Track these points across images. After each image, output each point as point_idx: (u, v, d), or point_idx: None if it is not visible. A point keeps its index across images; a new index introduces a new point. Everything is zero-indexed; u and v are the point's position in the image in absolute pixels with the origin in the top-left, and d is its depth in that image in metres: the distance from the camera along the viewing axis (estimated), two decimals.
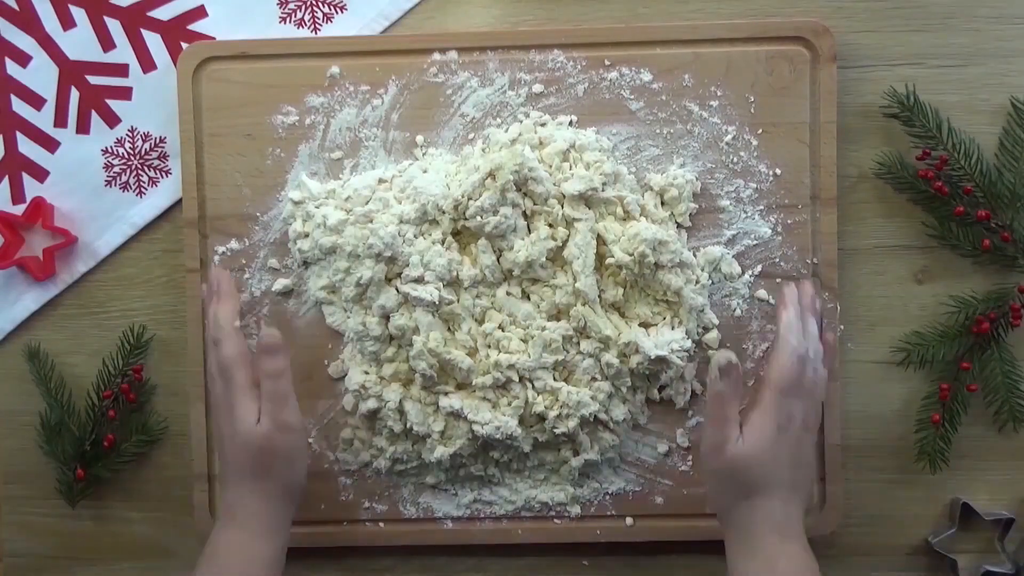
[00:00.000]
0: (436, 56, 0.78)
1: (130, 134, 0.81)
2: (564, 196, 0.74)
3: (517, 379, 0.74)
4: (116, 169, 0.81)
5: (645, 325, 0.76)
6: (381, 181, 0.77)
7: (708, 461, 0.68)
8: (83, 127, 0.81)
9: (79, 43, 0.81)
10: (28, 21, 0.81)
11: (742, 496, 0.67)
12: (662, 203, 0.76)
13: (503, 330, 0.75)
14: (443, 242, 0.75)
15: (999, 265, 0.78)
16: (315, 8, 0.80)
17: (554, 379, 0.75)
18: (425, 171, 0.76)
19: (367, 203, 0.76)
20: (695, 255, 0.76)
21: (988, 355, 0.78)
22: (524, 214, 0.75)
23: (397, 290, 0.75)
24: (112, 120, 0.81)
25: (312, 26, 0.80)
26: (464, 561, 0.81)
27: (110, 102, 0.81)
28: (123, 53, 0.81)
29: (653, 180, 0.76)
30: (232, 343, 0.71)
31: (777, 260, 0.77)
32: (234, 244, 0.79)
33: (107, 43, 0.81)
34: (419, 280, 0.73)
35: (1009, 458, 0.80)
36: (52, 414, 0.81)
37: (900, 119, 0.78)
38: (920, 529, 0.81)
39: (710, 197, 0.77)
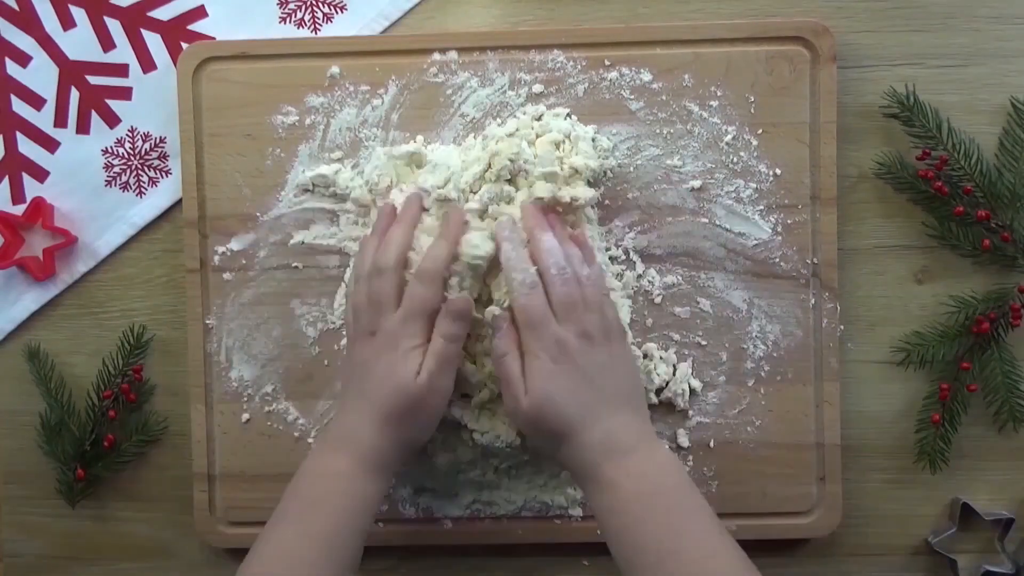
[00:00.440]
0: (436, 56, 0.78)
1: (130, 134, 0.81)
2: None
3: None
4: (116, 169, 0.81)
5: None
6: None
7: (516, 424, 0.68)
8: (83, 127, 0.81)
9: (79, 43, 0.81)
10: (28, 21, 0.81)
11: (559, 442, 0.65)
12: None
13: None
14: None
15: (999, 265, 0.78)
16: (315, 8, 0.80)
17: None
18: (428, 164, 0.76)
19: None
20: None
21: (988, 355, 0.78)
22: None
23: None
24: (112, 120, 0.81)
25: (312, 26, 0.80)
26: (464, 561, 0.81)
27: (110, 102, 0.81)
28: (123, 53, 0.81)
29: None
30: (435, 287, 0.67)
31: (777, 260, 0.77)
32: (234, 244, 0.79)
33: (107, 43, 0.81)
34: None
35: (1009, 458, 0.80)
36: (52, 414, 0.81)
37: (900, 119, 0.78)
38: (920, 529, 0.81)
39: (710, 197, 0.77)
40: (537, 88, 0.77)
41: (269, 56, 0.78)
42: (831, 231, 0.77)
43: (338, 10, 0.80)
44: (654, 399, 0.77)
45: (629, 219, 0.78)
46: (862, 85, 0.79)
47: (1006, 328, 0.78)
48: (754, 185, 0.77)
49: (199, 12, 0.81)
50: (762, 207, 0.77)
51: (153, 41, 0.81)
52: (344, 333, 0.78)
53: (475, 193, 0.73)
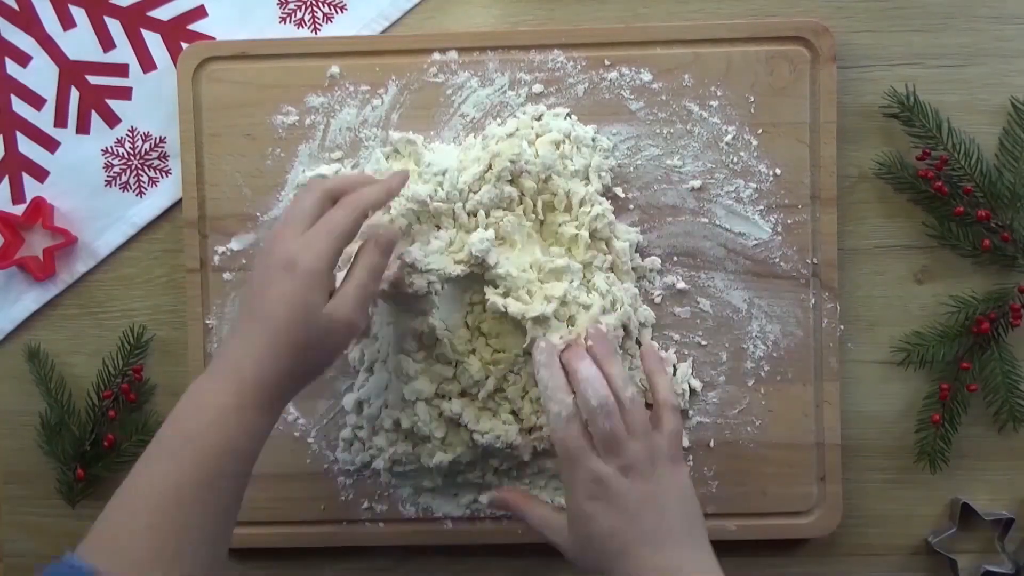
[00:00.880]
0: (436, 56, 0.78)
1: (130, 134, 0.81)
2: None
3: (517, 391, 0.74)
4: (116, 169, 0.81)
5: None
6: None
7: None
8: (83, 127, 0.81)
9: (79, 43, 0.81)
10: (28, 21, 0.81)
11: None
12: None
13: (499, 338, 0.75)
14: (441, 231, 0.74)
15: (999, 265, 0.78)
16: (315, 8, 0.80)
17: None
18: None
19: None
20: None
21: (988, 355, 0.78)
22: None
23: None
24: (112, 120, 0.81)
25: (312, 26, 0.80)
26: (464, 561, 0.81)
27: (110, 102, 0.81)
28: (123, 53, 0.81)
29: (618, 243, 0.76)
30: (355, 217, 0.62)
31: (777, 260, 0.77)
32: (234, 244, 0.79)
33: (107, 43, 0.81)
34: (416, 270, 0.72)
35: (1009, 458, 0.80)
36: (52, 414, 0.81)
37: (900, 119, 0.78)
38: (920, 529, 0.81)
39: (710, 197, 0.77)
40: (537, 88, 0.77)
41: (269, 56, 0.78)
42: (831, 231, 0.77)
43: (338, 10, 0.80)
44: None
45: (629, 219, 0.78)
46: (862, 85, 0.79)
47: (1006, 328, 0.77)
48: (754, 185, 0.77)
49: (199, 12, 0.81)
50: (762, 207, 0.77)
51: (153, 41, 0.81)
52: None
53: (475, 193, 0.73)
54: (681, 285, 0.77)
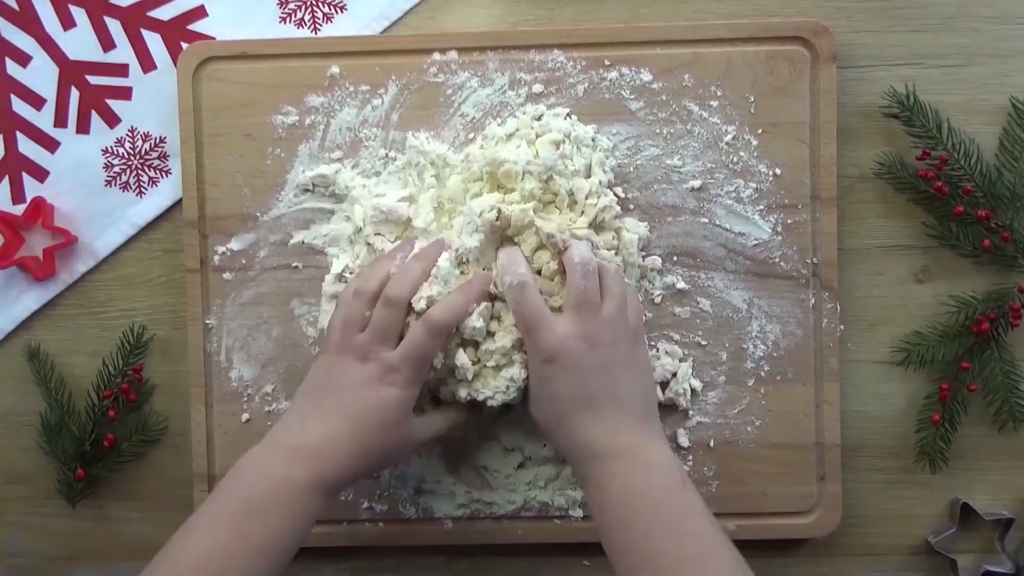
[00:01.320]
0: (436, 56, 0.78)
1: (130, 134, 0.81)
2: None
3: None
4: (116, 169, 0.81)
5: None
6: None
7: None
8: (83, 127, 0.81)
9: (79, 43, 0.81)
10: (28, 21, 0.81)
11: (555, 441, 0.68)
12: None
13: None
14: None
15: (999, 265, 0.78)
16: (315, 8, 0.80)
17: None
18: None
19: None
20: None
21: (988, 355, 0.78)
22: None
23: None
24: (112, 120, 0.81)
25: (312, 26, 0.80)
26: (464, 561, 0.81)
27: (110, 102, 0.81)
28: (123, 53, 0.81)
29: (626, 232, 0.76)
30: (438, 343, 0.67)
31: (777, 260, 0.77)
32: (234, 244, 0.79)
33: (107, 43, 0.81)
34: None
35: (1009, 458, 0.80)
36: (52, 414, 0.81)
37: (900, 119, 0.78)
38: (920, 529, 0.81)
39: (710, 197, 0.77)
40: (537, 88, 0.77)
41: (269, 56, 0.78)
42: (831, 231, 0.77)
43: (338, 10, 0.80)
44: (661, 397, 0.77)
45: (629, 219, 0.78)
46: (862, 85, 0.79)
47: (1006, 328, 0.78)
48: (754, 185, 0.77)
49: (199, 12, 0.81)
50: (762, 207, 0.77)
51: (153, 41, 0.81)
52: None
53: (475, 197, 0.73)
54: (681, 285, 0.77)
